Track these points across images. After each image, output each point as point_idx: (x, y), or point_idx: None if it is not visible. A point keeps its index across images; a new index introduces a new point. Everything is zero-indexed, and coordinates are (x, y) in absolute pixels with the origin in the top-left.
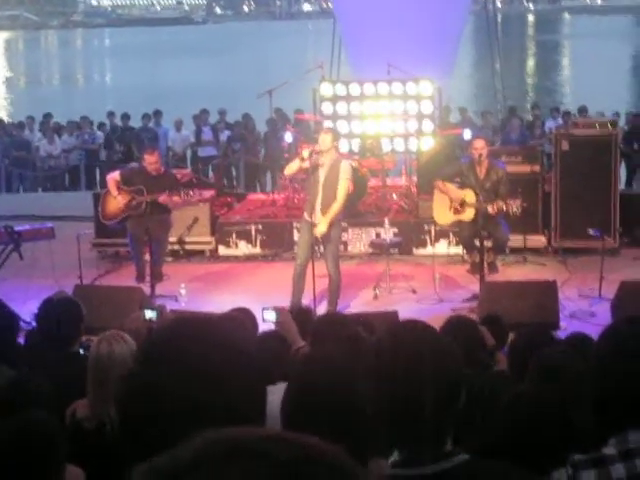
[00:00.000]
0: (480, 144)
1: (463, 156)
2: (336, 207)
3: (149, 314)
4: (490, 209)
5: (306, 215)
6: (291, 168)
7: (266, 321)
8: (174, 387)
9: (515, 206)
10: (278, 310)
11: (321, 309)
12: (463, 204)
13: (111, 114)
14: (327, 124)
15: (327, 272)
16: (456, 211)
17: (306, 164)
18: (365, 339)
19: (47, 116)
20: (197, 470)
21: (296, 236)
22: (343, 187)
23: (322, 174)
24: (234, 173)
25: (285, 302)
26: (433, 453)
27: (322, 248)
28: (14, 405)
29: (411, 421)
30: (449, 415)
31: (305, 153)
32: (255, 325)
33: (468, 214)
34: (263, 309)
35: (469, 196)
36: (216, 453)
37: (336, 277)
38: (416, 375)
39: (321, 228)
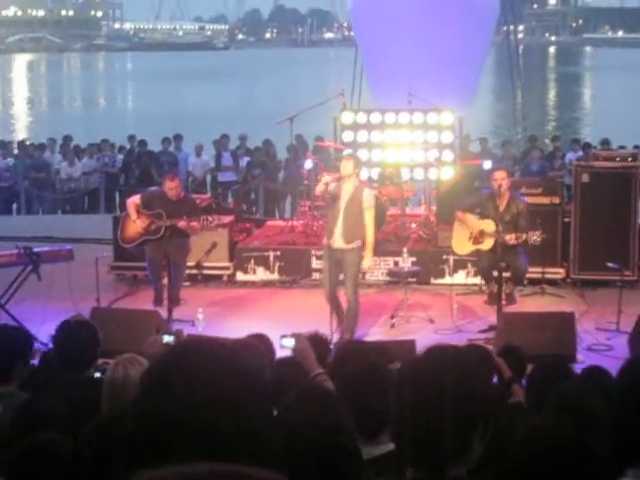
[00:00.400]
0: (501, 175)
1: (484, 187)
2: (371, 238)
3: (167, 338)
4: (509, 238)
5: (325, 240)
6: (319, 189)
7: (284, 348)
8: (185, 412)
9: (535, 236)
10: (296, 337)
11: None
12: (482, 234)
13: (132, 137)
14: (347, 151)
15: (346, 298)
16: (475, 241)
17: (331, 186)
18: (383, 367)
19: (67, 138)
20: None
21: (314, 263)
22: (371, 216)
23: (343, 201)
24: (253, 198)
25: (302, 328)
26: (443, 476)
27: (342, 275)
28: (27, 426)
29: (429, 446)
30: (467, 441)
31: (325, 179)
32: (271, 351)
33: (487, 244)
34: (281, 336)
35: (488, 226)
36: None
37: (355, 303)
38: (435, 404)
39: (367, 262)
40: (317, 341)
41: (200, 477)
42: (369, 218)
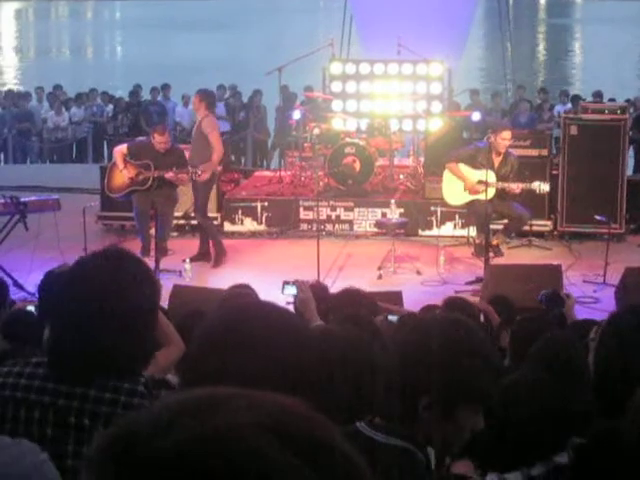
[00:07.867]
0: (509, 135)
1: (477, 140)
2: (216, 157)
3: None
4: (515, 187)
5: None
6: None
7: (285, 295)
8: (243, 372)
9: (542, 185)
10: (299, 285)
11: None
12: (481, 184)
13: (136, 89)
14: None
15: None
16: (473, 191)
17: None
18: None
19: (57, 88)
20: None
21: (302, 214)
22: (216, 138)
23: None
24: (242, 148)
25: (289, 278)
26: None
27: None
28: None
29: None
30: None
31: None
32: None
33: (488, 194)
34: (284, 283)
35: (490, 176)
36: (199, 405)
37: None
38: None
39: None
40: (317, 290)
41: (247, 396)
42: (215, 140)
